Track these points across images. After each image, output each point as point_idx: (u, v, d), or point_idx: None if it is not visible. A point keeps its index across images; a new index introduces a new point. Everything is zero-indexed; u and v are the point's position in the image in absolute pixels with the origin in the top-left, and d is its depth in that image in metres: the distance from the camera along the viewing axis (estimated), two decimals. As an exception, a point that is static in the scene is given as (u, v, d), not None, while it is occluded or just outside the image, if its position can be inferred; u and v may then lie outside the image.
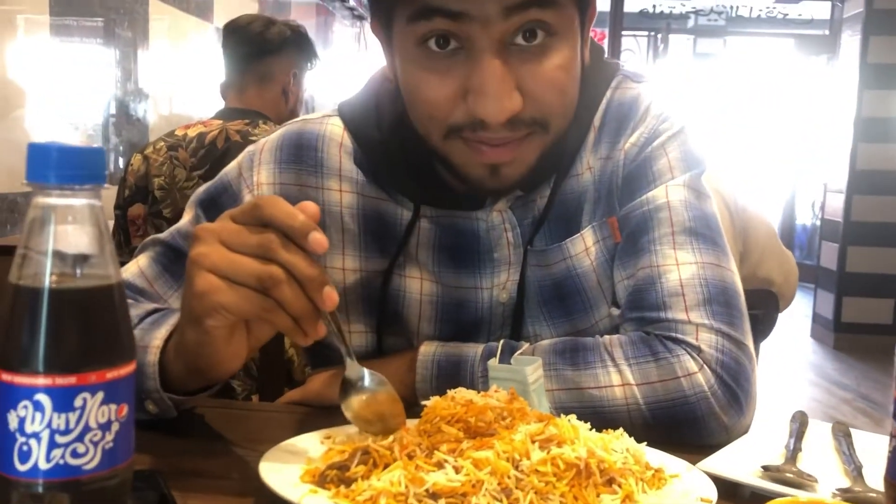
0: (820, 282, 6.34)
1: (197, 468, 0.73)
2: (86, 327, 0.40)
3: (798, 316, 6.58)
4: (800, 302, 7.18)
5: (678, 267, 0.89)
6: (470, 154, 0.87)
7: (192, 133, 1.96)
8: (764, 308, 1.66)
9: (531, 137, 0.87)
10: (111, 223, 1.98)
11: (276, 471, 0.65)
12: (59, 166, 0.41)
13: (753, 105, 9.04)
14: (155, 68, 3.76)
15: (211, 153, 1.91)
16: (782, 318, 1.89)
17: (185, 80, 4.09)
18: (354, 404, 0.72)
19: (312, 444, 0.72)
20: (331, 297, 0.67)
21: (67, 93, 3.06)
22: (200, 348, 0.73)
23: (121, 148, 3.65)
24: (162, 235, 0.99)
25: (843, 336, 5.95)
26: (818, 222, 7.06)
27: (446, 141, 0.88)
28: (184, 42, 4.16)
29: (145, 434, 0.79)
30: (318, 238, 0.66)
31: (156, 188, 1.91)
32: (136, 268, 0.97)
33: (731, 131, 8.72)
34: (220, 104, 2.13)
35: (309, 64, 2.18)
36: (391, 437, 0.67)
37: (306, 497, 0.60)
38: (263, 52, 2.06)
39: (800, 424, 0.85)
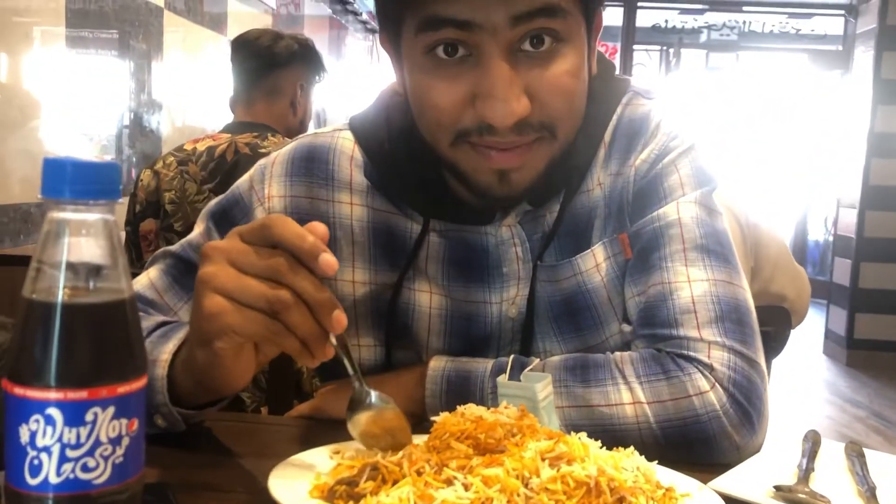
0: (833, 298, 6.29)
1: (206, 482, 0.73)
2: (98, 342, 0.41)
3: (810, 332, 6.53)
4: (812, 318, 7.09)
5: (690, 284, 0.89)
6: (478, 160, 0.87)
7: (201, 147, 1.97)
8: (776, 325, 1.65)
9: (539, 143, 0.87)
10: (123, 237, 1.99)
11: (285, 485, 0.65)
12: (73, 181, 0.41)
13: (766, 120, 9.02)
14: (169, 80, 3.79)
15: (220, 166, 1.93)
16: (794, 334, 1.88)
17: (198, 92, 4.12)
18: (361, 421, 0.72)
19: (321, 459, 0.72)
20: (339, 320, 0.67)
21: (82, 104, 3.09)
22: (209, 367, 0.73)
23: (134, 160, 3.68)
24: (173, 248, 1.00)
25: (856, 353, 5.90)
26: (831, 238, 7.03)
27: (454, 148, 0.88)
28: (197, 54, 4.19)
29: (155, 447, 0.79)
30: (327, 260, 0.66)
31: (166, 202, 1.93)
32: (147, 280, 0.97)
33: (743, 146, 8.70)
34: (230, 114, 2.16)
35: (317, 77, 2.20)
36: (400, 454, 0.67)
37: (315, 513, 0.60)
38: (271, 66, 2.09)
39: (812, 444, 0.85)
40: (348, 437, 0.77)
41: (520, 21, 0.81)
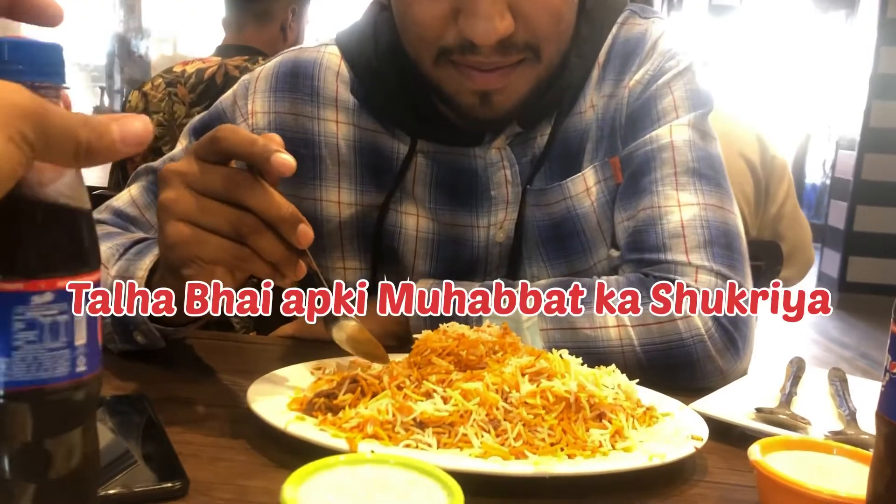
0: (827, 241, 6.30)
1: (185, 396, 0.72)
2: (38, 232, 0.38)
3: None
4: (805, 261, 7.15)
5: (680, 208, 0.88)
6: (461, 80, 0.86)
7: (190, 69, 1.94)
8: (767, 259, 1.64)
9: (523, 65, 0.85)
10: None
11: (264, 398, 0.65)
12: (10, 62, 0.38)
13: (769, 61, 8.89)
14: (158, 5, 3.70)
15: (210, 89, 1.89)
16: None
17: (188, 17, 4.03)
18: (347, 327, 0.70)
19: (301, 375, 0.72)
20: (306, 234, 0.64)
21: (69, 31, 3.02)
22: (182, 292, 0.71)
23: (124, 88, 3.61)
24: (154, 164, 0.98)
25: (848, 296, 5.93)
26: (828, 181, 7.00)
27: (437, 66, 0.86)
28: (188, -20, 4.08)
29: (135, 362, 0.79)
30: (281, 160, 0.62)
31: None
32: (128, 196, 0.96)
33: (744, 87, 8.59)
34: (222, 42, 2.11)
35: (308, 4, 2.15)
36: (380, 368, 0.66)
37: (293, 423, 0.60)
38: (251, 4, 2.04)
39: (797, 369, 0.85)
40: (330, 355, 0.76)
41: None
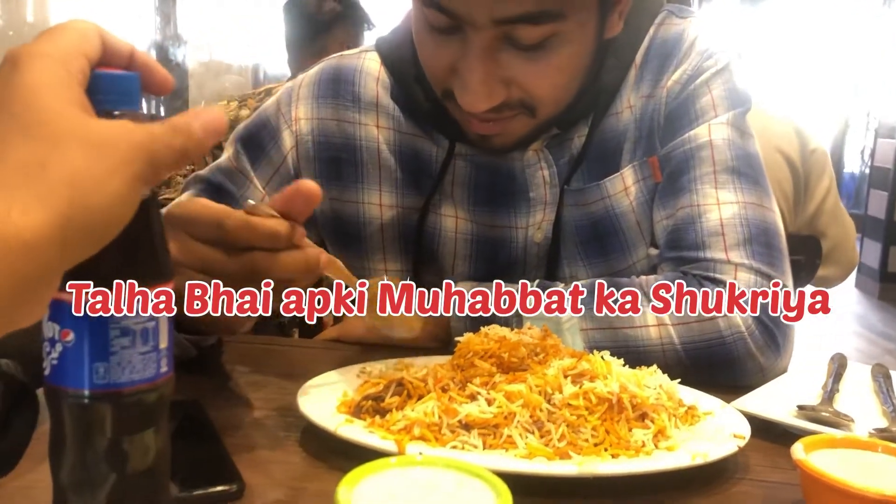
0: (867, 231, 6.19)
1: (236, 401, 0.74)
2: (126, 243, 0.41)
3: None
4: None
5: (719, 206, 0.88)
6: (463, 117, 0.89)
7: (260, 89, 2.10)
8: (806, 254, 1.63)
9: (517, 118, 0.88)
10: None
11: (313, 402, 0.66)
12: (94, 92, 0.41)
13: (805, 49, 8.75)
14: (194, 14, 3.76)
15: None
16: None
17: (223, 26, 4.09)
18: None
19: (348, 378, 0.74)
20: (326, 264, 0.63)
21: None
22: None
23: (162, 96, 3.68)
24: (203, 172, 1.01)
25: (890, 286, 5.82)
26: (867, 170, 6.87)
27: (445, 99, 0.90)
28: (222, -14, 4.14)
29: (184, 370, 0.81)
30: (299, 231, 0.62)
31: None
32: (177, 205, 0.99)
33: (780, 76, 8.46)
34: (258, 51, 2.25)
35: (362, 33, 2.26)
36: (424, 371, 0.68)
37: (342, 426, 0.62)
38: (315, 31, 2.17)
39: (838, 366, 0.84)
40: (374, 358, 0.78)
41: (502, 23, 0.79)
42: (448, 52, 0.84)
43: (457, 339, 0.74)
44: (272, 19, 4.21)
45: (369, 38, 2.30)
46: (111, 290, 0.42)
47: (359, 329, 0.94)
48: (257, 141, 0.99)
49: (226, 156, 1.00)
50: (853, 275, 6.22)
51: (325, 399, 0.68)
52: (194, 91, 3.76)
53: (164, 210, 0.93)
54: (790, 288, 0.87)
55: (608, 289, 0.87)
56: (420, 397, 0.64)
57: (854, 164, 8.60)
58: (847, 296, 6.01)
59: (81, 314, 0.41)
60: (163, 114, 3.67)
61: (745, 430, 0.65)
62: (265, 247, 0.60)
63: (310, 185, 0.61)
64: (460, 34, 0.82)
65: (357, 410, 0.65)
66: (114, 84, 0.42)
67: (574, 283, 0.89)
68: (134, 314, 0.42)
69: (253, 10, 4.23)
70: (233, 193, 0.98)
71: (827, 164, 1.76)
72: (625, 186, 0.95)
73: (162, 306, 0.44)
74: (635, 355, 0.82)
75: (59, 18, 2.74)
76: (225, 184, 0.98)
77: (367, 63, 1.01)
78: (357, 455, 0.53)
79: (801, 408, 0.72)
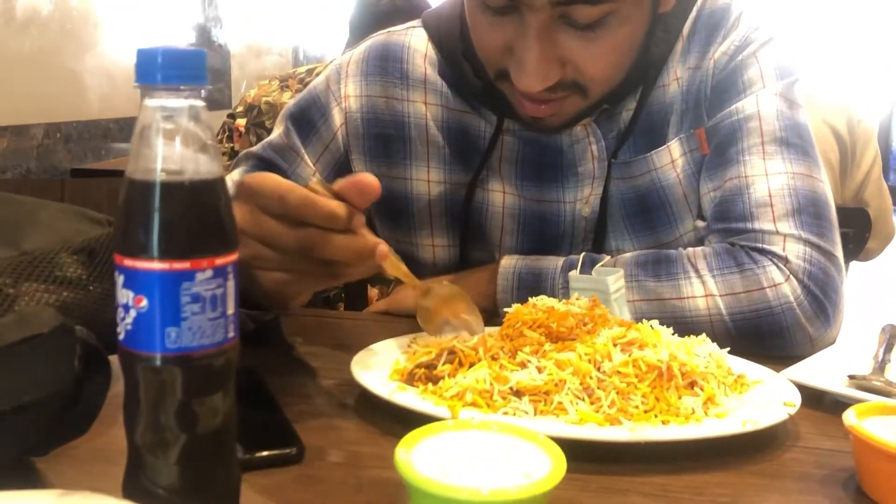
0: (917, 206, 6.05)
1: (293, 370, 0.77)
2: (195, 216, 0.43)
3: (893, 244, 6.31)
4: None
5: (767, 177, 0.88)
6: (517, 98, 0.89)
7: (302, 69, 2.15)
8: (855, 227, 1.61)
9: (570, 98, 0.88)
10: (218, 124, 2.19)
11: (367, 370, 0.68)
12: (164, 67, 0.43)
13: (852, 20, 8.52)
14: (235, -6, 3.80)
15: None
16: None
17: (265, 7, 4.12)
18: (430, 311, 0.74)
19: (400, 347, 0.75)
20: (381, 254, 0.63)
21: (151, 20, 3.13)
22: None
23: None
24: (255, 149, 1.03)
25: (941, 263, 5.68)
26: (918, 144, 6.69)
27: (498, 81, 0.90)
28: (263, -32, 4.16)
29: (245, 340, 0.84)
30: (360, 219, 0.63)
31: (262, 104, 2.08)
32: (230, 181, 1.01)
33: (827, 52, 8.26)
34: (298, 32, 2.26)
35: None
36: (475, 339, 0.69)
37: (396, 393, 0.63)
38: (376, 20, 2.18)
39: (890, 336, 0.84)
40: (419, 331, 0.80)
41: (560, 3, 0.79)
42: (503, 33, 0.84)
43: (504, 309, 0.75)
44: (312, 1, 4.23)
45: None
46: (183, 258, 0.44)
47: (407, 301, 0.96)
48: (308, 118, 1.01)
49: (277, 132, 1.02)
50: (902, 251, 6.08)
51: (379, 367, 0.69)
52: (236, 71, 3.81)
53: (237, 180, 0.96)
54: (840, 257, 0.86)
55: (655, 261, 0.87)
56: (471, 365, 0.66)
57: (904, 138, 8.37)
58: (897, 272, 5.88)
59: (154, 281, 0.43)
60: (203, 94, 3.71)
61: (796, 398, 0.65)
62: (323, 226, 0.62)
63: (368, 178, 0.63)
64: (516, 14, 0.82)
65: (410, 378, 0.66)
66: (183, 60, 0.44)
67: (621, 255, 0.90)
68: (204, 281, 0.44)
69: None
70: (284, 170, 1.00)
71: (873, 137, 1.74)
72: (672, 159, 0.95)
73: (229, 274, 0.46)
74: (683, 326, 0.82)
75: (105, 5, 2.79)
76: (276, 160, 1.01)
77: (414, 40, 1.02)
78: (411, 421, 0.54)
79: (851, 377, 0.72)
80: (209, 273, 0.44)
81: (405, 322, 0.91)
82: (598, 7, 0.80)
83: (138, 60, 0.44)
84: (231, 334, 0.47)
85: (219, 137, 2.17)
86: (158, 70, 0.43)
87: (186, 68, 0.44)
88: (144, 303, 0.44)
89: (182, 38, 3.40)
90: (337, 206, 0.62)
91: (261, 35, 4.05)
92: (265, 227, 0.63)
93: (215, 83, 3.70)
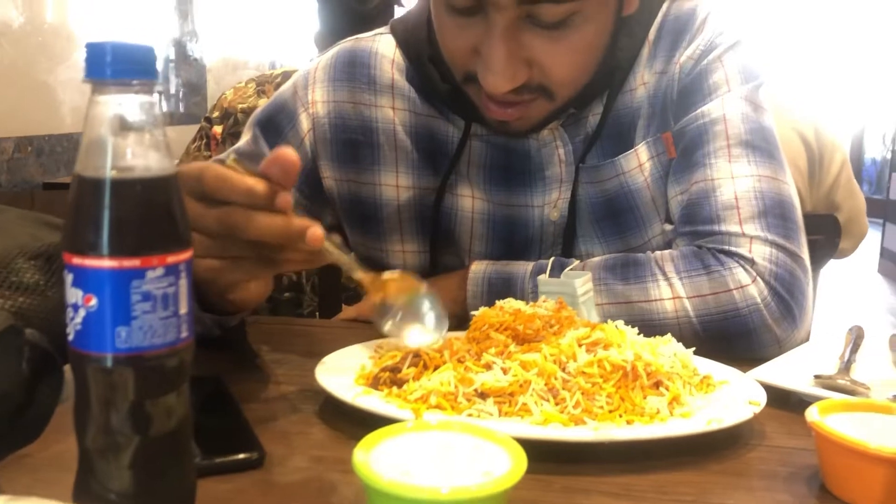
0: (889, 216, 6.12)
1: (258, 377, 0.76)
2: (146, 214, 0.43)
3: (865, 251, 6.39)
4: (868, 237, 6.95)
5: (733, 180, 0.88)
6: (483, 101, 0.89)
7: (278, 71, 2.07)
8: (825, 233, 1.62)
9: (537, 101, 0.88)
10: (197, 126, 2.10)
11: (331, 375, 0.67)
12: (114, 62, 0.42)
13: (824, 31, 8.65)
14: (211, 9, 3.78)
15: None
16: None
17: (241, 21, 4.11)
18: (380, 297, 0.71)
19: (366, 353, 0.75)
20: (314, 237, 0.61)
21: (127, 33, 3.11)
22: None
23: (181, 91, 3.71)
24: (222, 156, 1.02)
25: (913, 271, 5.76)
26: (888, 155, 6.79)
27: (465, 84, 0.90)
28: (238, -18, 4.16)
29: (205, 348, 0.83)
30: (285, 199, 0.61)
31: (238, 111, 2.03)
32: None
33: (800, 58, 8.38)
34: (275, 46, 2.21)
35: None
36: (441, 343, 0.69)
37: (360, 397, 0.63)
38: (356, 24, 2.11)
39: (856, 337, 0.84)
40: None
41: (525, 2, 0.79)
42: (470, 34, 0.84)
43: (472, 313, 0.75)
44: (287, 15, 4.23)
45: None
46: (133, 256, 0.43)
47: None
48: (275, 124, 1.01)
49: (244, 139, 1.02)
50: (876, 260, 6.16)
51: (344, 372, 0.69)
52: (212, 85, 3.79)
53: (226, 156, 0.95)
54: (806, 259, 0.87)
55: (623, 264, 0.87)
56: (436, 368, 0.65)
57: (875, 150, 8.50)
58: (870, 281, 5.95)
59: (104, 280, 0.42)
60: (182, 109, 3.70)
61: (761, 397, 0.65)
62: (242, 202, 0.60)
63: (288, 153, 0.61)
64: (481, 15, 0.82)
65: (375, 382, 0.66)
66: (133, 55, 0.43)
67: (589, 259, 0.90)
68: (155, 279, 0.43)
69: (268, 5, 4.25)
70: (251, 177, 0.99)
71: (839, 142, 1.77)
72: (639, 163, 0.95)
73: (182, 272, 0.45)
74: (651, 329, 0.82)
75: (78, 18, 2.77)
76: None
77: (381, 45, 1.02)
78: (375, 425, 0.53)
79: (817, 377, 0.72)
80: (160, 271, 0.43)
81: (374, 329, 0.90)
82: (564, 6, 0.80)
83: (87, 55, 0.43)
84: (184, 334, 0.46)
85: (196, 144, 2.12)
86: (108, 65, 0.43)
87: (136, 63, 0.43)
88: (94, 302, 0.43)
89: (158, 53, 3.39)
90: (254, 182, 0.60)
91: (236, 49, 4.05)
92: (188, 208, 0.62)
93: (192, 97, 3.68)
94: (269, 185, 0.60)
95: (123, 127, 0.43)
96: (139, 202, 0.43)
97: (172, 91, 3.65)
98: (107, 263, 0.42)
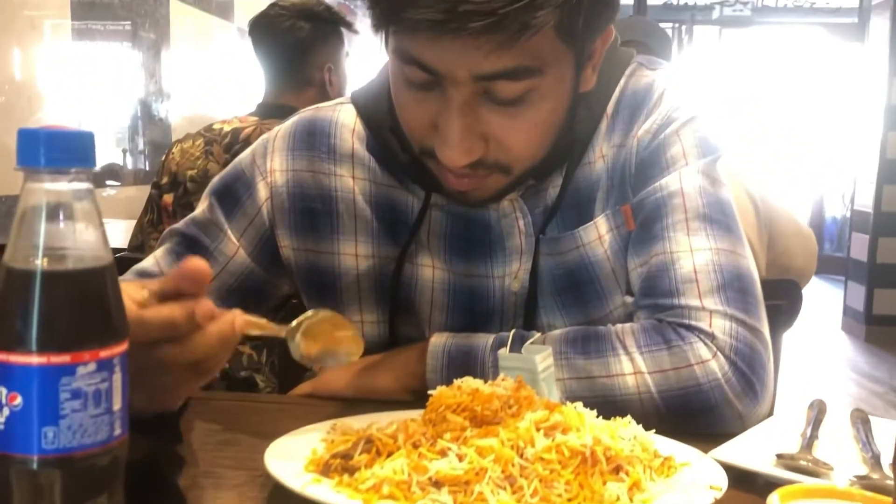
0: (850, 274, 6.23)
1: (204, 459, 0.73)
2: (78, 308, 0.41)
3: (829, 309, 6.48)
4: (830, 294, 7.08)
5: (692, 253, 0.88)
6: (440, 173, 0.89)
7: (227, 128, 1.95)
8: (787, 298, 1.63)
9: (492, 176, 0.88)
10: (146, 197, 2.01)
11: (281, 461, 0.65)
12: (48, 150, 0.41)
13: (781, 95, 8.92)
14: (177, 69, 3.80)
15: (244, 150, 1.92)
16: (812, 310, 1.88)
17: (206, 80, 4.13)
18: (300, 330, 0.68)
19: (317, 435, 0.72)
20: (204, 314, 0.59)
21: (92, 95, 3.10)
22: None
23: (146, 149, 3.70)
24: (178, 225, 1.00)
25: (875, 329, 5.84)
26: (848, 214, 6.96)
27: (423, 156, 0.90)
28: (206, 42, 4.19)
29: (152, 425, 0.80)
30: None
31: (188, 180, 1.93)
32: (153, 259, 0.99)
33: (758, 122, 8.61)
34: (242, 104, 2.14)
35: (346, 50, 2.13)
36: (395, 426, 0.67)
37: (309, 486, 0.60)
38: (294, 55, 2.01)
39: (818, 412, 0.84)
40: (347, 414, 0.77)
41: (482, 79, 0.80)
42: (427, 108, 0.84)
43: (430, 392, 0.73)
44: (252, 74, 4.26)
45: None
46: (63, 351, 0.41)
47: (333, 382, 0.93)
48: (232, 193, 0.99)
49: (201, 208, 1.00)
50: (839, 318, 6.25)
51: (294, 458, 0.66)
52: (177, 145, 3.78)
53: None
54: (766, 333, 0.86)
55: (584, 338, 0.86)
56: (390, 454, 0.63)
57: (835, 209, 8.71)
58: (833, 339, 6.03)
59: (31, 377, 0.40)
60: (147, 167, 3.68)
61: (722, 480, 0.64)
62: (167, 337, 0.58)
63: (196, 263, 0.60)
64: (439, 90, 0.83)
65: (326, 469, 0.63)
66: (69, 142, 0.42)
67: (550, 332, 0.89)
68: (86, 375, 0.41)
69: (232, 64, 4.28)
70: (207, 246, 0.98)
71: (780, 202, 1.83)
72: (599, 235, 0.95)
73: (116, 367, 0.43)
74: (613, 405, 0.81)
75: (46, 77, 2.75)
76: (199, 236, 0.98)
77: (342, 115, 1.01)
78: (324, 516, 0.51)
79: (779, 456, 0.71)
80: (92, 367, 0.41)
81: (331, 405, 0.88)
82: (520, 83, 0.80)
83: (19, 142, 0.41)
84: (118, 431, 0.43)
85: (148, 218, 2.02)
86: (42, 153, 0.41)
87: (73, 150, 0.42)
88: (19, 400, 0.40)
89: (120, 112, 3.37)
90: (171, 312, 0.58)
91: (202, 107, 4.05)
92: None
93: (156, 156, 3.66)
94: (186, 308, 0.58)
95: (56, 216, 0.42)
96: (71, 295, 0.41)
97: (139, 148, 3.64)
98: (34, 360, 0.40)
